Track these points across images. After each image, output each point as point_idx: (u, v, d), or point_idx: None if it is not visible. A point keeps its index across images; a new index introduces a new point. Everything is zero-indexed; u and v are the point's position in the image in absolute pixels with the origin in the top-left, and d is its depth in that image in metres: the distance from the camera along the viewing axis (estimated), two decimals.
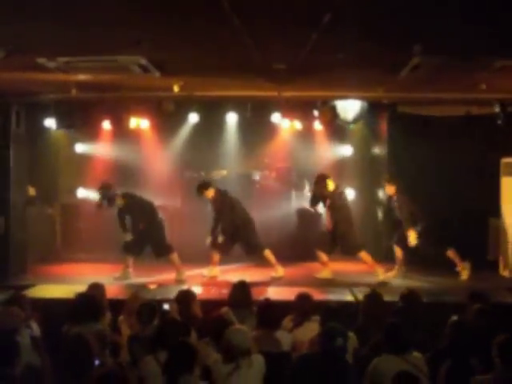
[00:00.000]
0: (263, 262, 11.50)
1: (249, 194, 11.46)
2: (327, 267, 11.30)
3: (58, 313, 7.72)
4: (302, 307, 7.36)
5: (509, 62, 7.85)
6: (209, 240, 11.35)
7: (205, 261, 11.42)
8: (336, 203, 11.19)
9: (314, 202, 11.47)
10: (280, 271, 11.25)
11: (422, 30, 6.44)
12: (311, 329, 7.04)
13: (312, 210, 11.70)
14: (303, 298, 7.48)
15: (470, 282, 10.69)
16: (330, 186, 11.18)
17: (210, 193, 11.36)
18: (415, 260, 12.08)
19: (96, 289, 7.87)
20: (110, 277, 10.67)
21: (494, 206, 12.30)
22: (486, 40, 6.88)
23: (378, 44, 6.93)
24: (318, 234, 12.90)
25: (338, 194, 11.30)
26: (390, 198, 11.78)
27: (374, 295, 7.67)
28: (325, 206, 11.33)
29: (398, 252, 11.52)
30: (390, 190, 11.54)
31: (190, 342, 5.54)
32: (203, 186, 11.49)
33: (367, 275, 11.20)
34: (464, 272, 11.25)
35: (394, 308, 7.50)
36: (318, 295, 9.15)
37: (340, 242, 11.20)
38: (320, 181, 11.22)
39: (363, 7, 5.66)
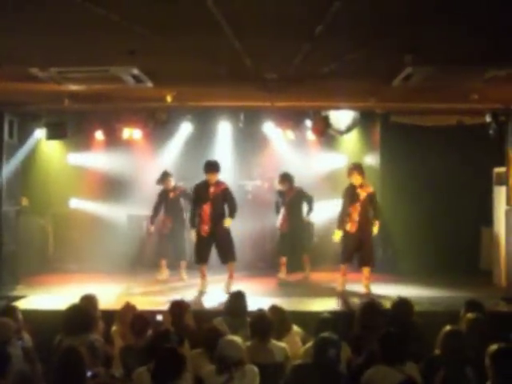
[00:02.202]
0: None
1: (241, 204, 11.41)
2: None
3: (50, 324, 7.70)
4: (276, 320, 7.32)
5: (500, 72, 7.86)
6: None
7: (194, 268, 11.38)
8: None
9: None
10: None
11: (414, 40, 6.46)
12: (294, 340, 7.08)
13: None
14: (276, 311, 7.49)
15: (464, 291, 10.68)
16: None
17: None
18: (408, 268, 12.12)
19: (88, 300, 7.84)
20: (102, 287, 10.60)
21: (486, 215, 12.33)
22: (478, 50, 6.90)
23: (369, 54, 6.93)
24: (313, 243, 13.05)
25: None
26: None
27: (372, 305, 7.66)
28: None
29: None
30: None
31: (177, 349, 5.53)
32: None
33: (358, 285, 11.19)
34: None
35: (387, 317, 7.48)
36: (309, 306, 9.16)
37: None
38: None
39: (355, 18, 5.67)
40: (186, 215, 12.13)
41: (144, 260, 13.24)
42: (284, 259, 12.13)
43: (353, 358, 6.61)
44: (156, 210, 12.30)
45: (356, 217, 10.90)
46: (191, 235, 11.06)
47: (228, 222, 10.93)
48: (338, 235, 11.10)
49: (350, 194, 11.01)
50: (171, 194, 12.30)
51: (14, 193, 11.70)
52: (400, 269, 12.24)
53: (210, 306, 9.87)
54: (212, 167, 10.90)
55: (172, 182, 12.37)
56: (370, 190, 11.08)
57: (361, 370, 5.96)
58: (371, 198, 11.02)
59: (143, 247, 13.48)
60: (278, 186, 12.21)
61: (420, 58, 7.03)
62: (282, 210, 12.14)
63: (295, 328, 7.47)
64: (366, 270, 10.96)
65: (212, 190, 10.89)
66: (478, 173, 12.38)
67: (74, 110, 11.21)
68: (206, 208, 10.86)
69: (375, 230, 10.95)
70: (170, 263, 12.48)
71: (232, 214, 10.97)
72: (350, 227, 10.93)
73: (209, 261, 11.09)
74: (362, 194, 10.94)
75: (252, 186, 14.19)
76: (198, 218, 10.92)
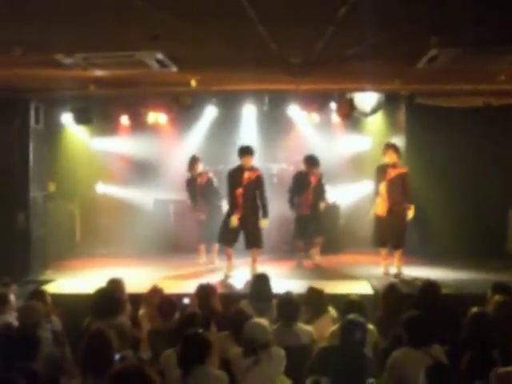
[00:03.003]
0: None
1: (267, 187, 11.42)
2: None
3: (79, 307, 7.80)
4: (314, 301, 7.37)
5: None
6: None
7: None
8: None
9: None
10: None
11: (439, 21, 6.41)
12: (328, 322, 7.09)
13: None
14: (314, 292, 7.50)
15: (490, 273, 10.63)
16: None
17: None
18: (435, 251, 12.07)
19: (115, 283, 7.91)
20: (129, 271, 10.67)
21: None
22: (504, 31, 6.83)
23: (394, 36, 6.89)
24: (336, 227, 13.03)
25: None
26: None
27: (393, 287, 7.68)
28: None
29: None
30: None
31: (202, 333, 5.57)
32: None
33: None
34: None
35: (413, 300, 7.48)
36: (336, 288, 9.17)
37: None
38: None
39: (379, 0, 5.63)
40: (219, 199, 12.18)
41: (172, 244, 13.28)
42: (301, 244, 12.11)
43: (379, 340, 6.63)
44: (192, 197, 12.28)
45: (383, 197, 10.86)
46: (232, 221, 10.94)
47: (264, 224, 10.98)
48: (372, 212, 11.12)
49: (380, 173, 10.99)
50: (199, 180, 12.26)
51: (41, 178, 11.81)
52: (426, 251, 12.17)
53: (237, 289, 9.92)
54: (247, 151, 10.88)
55: (199, 167, 12.31)
56: (403, 170, 11.02)
57: (387, 352, 5.98)
58: (403, 178, 10.92)
59: (171, 231, 13.52)
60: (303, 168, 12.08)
61: (445, 39, 6.97)
62: (304, 194, 11.99)
63: (331, 310, 7.45)
64: (397, 253, 10.97)
65: (246, 175, 10.85)
66: (505, 154, 12.29)
67: (99, 96, 11.29)
68: (239, 193, 10.82)
69: (410, 214, 10.84)
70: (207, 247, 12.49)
71: (265, 213, 10.93)
72: (380, 209, 10.90)
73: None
74: (391, 174, 10.87)
75: (277, 169, 14.18)
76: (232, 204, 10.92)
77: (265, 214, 10.91)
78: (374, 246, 11.20)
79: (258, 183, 10.93)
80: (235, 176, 10.90)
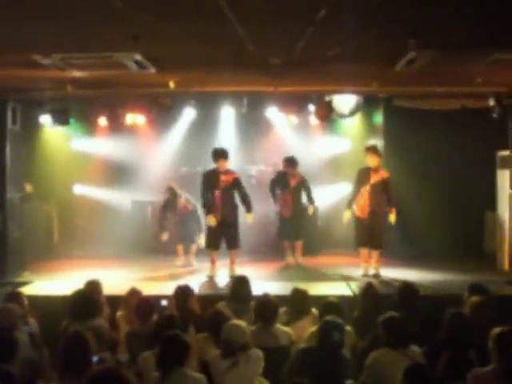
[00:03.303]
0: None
1: (246, 188, 11.40)
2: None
3: (56, 309, 7.75)
4: (298, 302, 7.39)
5: (504, 56, 7.85)
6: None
7: (205, 254, 11.39)
8: None
9: None
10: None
11: (417, 24, 6.44)
12: (310, 323, 7.08)
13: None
14: (298, 293, 7.51)
15: (468, 274, 10.70)
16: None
17: None
18: (414, 253, 12.14)
19: (93, 285, 7.88)
20: (107, 273, 10.62)
21: (490, 199, 12.32)
22: (481, 34, 6.88)
23: (373, 38, 6.92)
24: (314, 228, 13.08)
25: None
26: None
27: (370, 288, 7.71)
28: None
29: None
30: None
31: (181, 335, 5.56)
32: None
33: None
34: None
35: (391, 301, 7.51)
36: (315, 289, 9.18)
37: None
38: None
39: (358, 2, 5.66)
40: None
41: (150, 245, 13.24)
42: (286, 243, 12.17)
43: (357, 341, 6.65)
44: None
45: (365, 200, 10.88)
46: (208, 220, 10.93)
47: (250, 218, 11.00)
48: (347, 216, 11.06)
49: (362, 176, 11.01)
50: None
51: (18, 179, 11.72)
52: (405, 252, 12.23)
53: (215, 291, 9.91)
54: (222, 154, 10.84)
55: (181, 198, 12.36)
56: (385, 175, 11.03)
57: (365, 353, 6.00)
58: (385, 183, 10.96)
59: (149, 233, 13.48)
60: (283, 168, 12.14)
61: (423, 42, 7.02)
62: (283, 195, 12.08)
63: (315, 312, 7.45)
64: (375, 254, 11.01)
65: (222, 178, 10.84)
66: (482, 157, 12.35)
67: (77, 97, 11.23)
68: (216, 196, 10.81)
69: (392, 218, 10.87)
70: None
71: (249, 208, 10.96)
72: (361, 212, 10.93)
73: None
74: (374, 178, 10.90)
75: (256, 170, 14.21)
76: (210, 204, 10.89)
77: (249, 209, 10.96)
78: (356, 246, 11.24)
79: (236, 185, 10.94)
80: (211, 179, 10.87)
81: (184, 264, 12.17)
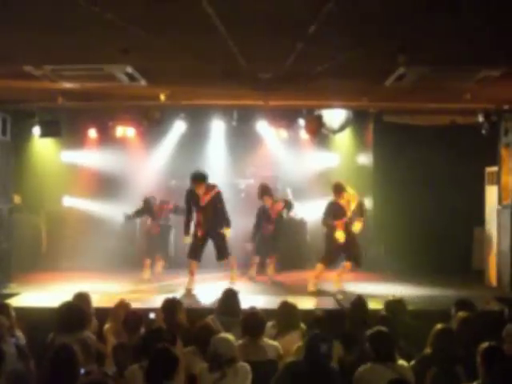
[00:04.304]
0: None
1: (234, 202, 11.44)
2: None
3: (43, 321, 7.71)
4: (286, 316, 7.38)
5: (492, 73, 7.92)
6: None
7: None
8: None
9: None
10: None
11: (406, 40, 6.49)
12: (298, 337, 7.07)
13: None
14: (287, 307, 7.50)
15: (455, 290, 10.72)
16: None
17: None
18: (402, 267, 12.16)
19: (81, 297, 7.84)
20: (95, 285, 10.58)
21: (478, 215, 12.38)
22: (470, 51, 6.95)
23: (362, 54, 6.97)
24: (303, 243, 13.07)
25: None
26: None
27: (359, 302, 7.71)
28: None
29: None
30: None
31: (171, 349, 5.55)
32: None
33: (350, 283, 11.25)
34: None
35: (379, 316, 7.51)
36: (303, 304, 9.18)
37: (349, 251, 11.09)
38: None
39: (348, 18, 5.70)
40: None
41: (138, 258, 13.22)
42: (257, 259, 12.26)
43: (344, 355, 6.64)
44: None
45: (343, 227, 10.90)
46: (185, 240, 11.06)
47: (227, 233, 11.04)
48: (340, 236, 10.89)
49: (335, 211, 10.98)
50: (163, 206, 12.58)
51: (6, 191, 11.68)
52: (392, 268, 12.26)
53: (204, 304, 9.89)
54: (197, 178, 10.83)
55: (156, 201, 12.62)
56: (356, 201, 11.03)
57: (352, 367, 5.99)
58: (360, 207, 11.06)
59: (138, 245, 13.48)
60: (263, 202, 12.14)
61: (412, 58, 7.06)
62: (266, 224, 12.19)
63: (303, 326, 7.43)
64: (348, 265, 11.09)
65: (203, 198, 10.90)
66: (471, 172, 12.42)
67: (67, 108, 11.21)
68: (199, 216, 10.93)
69: (356, 227, 10.86)
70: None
71: (226, 224, 10.99)
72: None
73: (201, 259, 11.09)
74: (349, 211, 10.96)
75: (245, 184, 14.22)
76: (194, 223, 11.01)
77: (227, 225, 10.98)
78: (323, 262, 11.24)
79: (217, 201, 11.00)
80: (192, 198, 10.97)
81: (150, 279, 12.20)
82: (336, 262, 11.22)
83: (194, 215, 11.00)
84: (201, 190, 10.85)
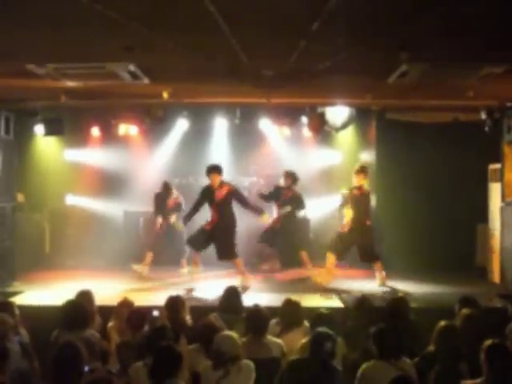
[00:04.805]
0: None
1: None
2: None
3: (47, 319, 7.73)
4: (290, 313, 7.38)
5: (495, 69, 7.91)
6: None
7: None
8: None
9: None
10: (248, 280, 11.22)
11: (409, 37, 6.48)
12: (301, 334, 7.07)
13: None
14: (291, 305, 7.50)
15: (459, 287, 10.72)
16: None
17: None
18: (405, 265, 12.14)
19: (84, 296, 7.85)
20: (98, 283, 10.58)
21: (481, 212, 12.37)
22: (473, 47, 6.93)
23: (365, 51, 6.97)
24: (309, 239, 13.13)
25: None
26: None
27: (364, 300, 7.71)
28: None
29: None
30: None
31: (174, 347, 5.56)
32: None
33: (355, 281, 11.25)
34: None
35: (383, 313, 7.52)
36: (307, 301, 9.17)
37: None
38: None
39: (351, 16, 5.69)
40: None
41: (141, 256, 13.20)
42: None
43: (348, 353, 6.64)
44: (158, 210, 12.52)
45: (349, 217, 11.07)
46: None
47: (266, 218, 11.34)
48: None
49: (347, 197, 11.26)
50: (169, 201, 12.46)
51: (9, 189, 11.69)
52: (395, 265, 12.24)
53: (207, 302, 9.88)
54: (213, 169, 10.96)
55: (173, 193, 12.57)
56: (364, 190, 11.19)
57: (356, 365, 5.99)
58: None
59: (141, 243, 13.46)
60: (281, 182, 12.36)
61: (415, 55, 7.06)
62: (275, 208, 12.25)
63: (306, 324, 7.43)
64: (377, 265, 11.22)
65: (217, 194, 10.94)
66: (474, 169, 12.40)
67: (70, 107, 11.22)
68: (213, 211, 10.99)
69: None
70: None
71: (256, 211, 11.24)
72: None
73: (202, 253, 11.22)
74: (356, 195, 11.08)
75: (248, 182, 14.23)
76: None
77: (258, 213, 11.23)
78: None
79: (234, 196, 11.03)
80: (206, 195, 11.03)
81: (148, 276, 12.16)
82: (346, 253, 11.25)
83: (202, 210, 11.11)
84: (216, 183, 10.91)
